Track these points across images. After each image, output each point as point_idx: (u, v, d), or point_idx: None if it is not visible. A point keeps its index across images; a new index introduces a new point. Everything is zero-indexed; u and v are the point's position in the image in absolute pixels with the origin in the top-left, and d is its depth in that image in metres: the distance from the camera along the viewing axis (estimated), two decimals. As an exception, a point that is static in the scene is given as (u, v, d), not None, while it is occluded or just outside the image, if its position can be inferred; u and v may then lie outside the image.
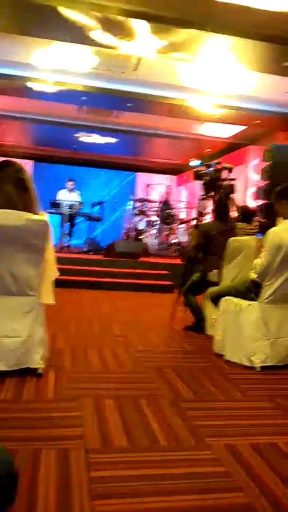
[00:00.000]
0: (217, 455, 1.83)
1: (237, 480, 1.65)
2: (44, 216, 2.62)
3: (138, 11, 4.62)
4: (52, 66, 6.52)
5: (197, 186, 10.68)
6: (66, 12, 4.67)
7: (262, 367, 3.06)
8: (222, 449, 1.87)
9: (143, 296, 6.27)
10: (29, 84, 7.14)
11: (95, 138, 10.83)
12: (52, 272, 2.76)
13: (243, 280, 3.45)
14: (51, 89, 7.36)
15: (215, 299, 3.55)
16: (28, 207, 2.56)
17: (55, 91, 7.45)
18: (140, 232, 10.48)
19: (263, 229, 4.12)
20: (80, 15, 4.70)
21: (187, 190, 11.32)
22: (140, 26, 4.90)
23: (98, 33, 5.13)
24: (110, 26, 4.93)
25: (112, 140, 10.94)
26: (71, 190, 9.66)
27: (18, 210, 2.51)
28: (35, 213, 2.57)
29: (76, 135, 10.83)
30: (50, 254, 2.71)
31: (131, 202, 11.20)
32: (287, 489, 1.61)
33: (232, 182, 4.83)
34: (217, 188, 4.65)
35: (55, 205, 8.63)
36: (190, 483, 1.61)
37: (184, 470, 1.71)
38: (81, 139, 11.06)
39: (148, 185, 13.33)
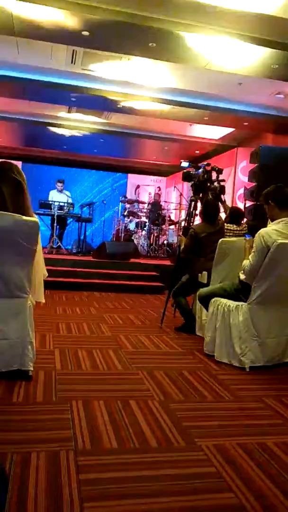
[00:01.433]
0: (207, 456, 1.84)
1: (227, 481, 1.66)
2: (35, 218, 2.62)
3: (128, 12, 4.63)
4: (44, 65, 6.51)
5: (187, 188, 10.74)
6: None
7: (251, 368, 3.09)
8: (212, 450, 1.89)
9: (133, 297, 6.27)
10: (28, 86, 7.09)
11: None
12: (42, 271, 2.81)
13: (232, 281, 3.47)
14: (47, 91, 7.33)
15: (205, 301, 3.57)
16: (22, 210, 2.55)
17: (47, 93, 7.43)
18: (130, 233, 10.49)
19: (251, 230, 4.16)
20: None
21: (177, 192, 11.36)
22: (132, 27, 4.90)
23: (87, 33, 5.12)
24: (93, 25, 4.93)
25: (102, 139, 10.92)
26: (60, 191, 9.63)
27: (11, 212, 2.50)
28: (28, 215, 2.57)
29: (66, 134, 10.78)
30: (40, 254, 2.73)
31: (121, 203, 11.20)
32: (277, 489, 1.62)
33: (221, 183, 4.85)
34: (206, 190, 4.67)
35: (44, 205, 8.59)
36: (180, 484, 1.62)
37: (174, 471, 1.71)
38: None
39: (138, 186, 13.34)
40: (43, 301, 2.93)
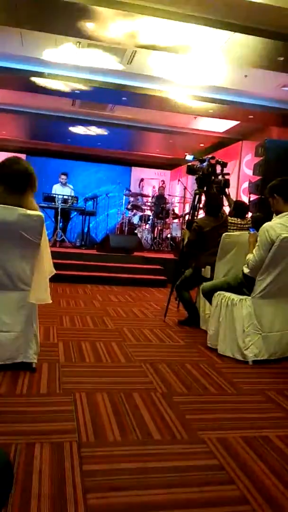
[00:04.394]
0: (209, 449, 1.85)
1: (229, 473, 1.67)
2: (38, 211, 2.61)
3: (134, 3, 4.60)
4: (49, 59, 6.47)
5: (191, 181, 10.69)
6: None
7: (255, 361, 3.09)
8: (215, 443, 1.89)
9: (137, 291, 6.28)
10: (33, 78, 7.06)
11: (88, 130, 10.76)
12: (48, 268, 2.74)
13: (235, 275, 3.47)
14: (48, 83, 7.31)
15: (208, 294, 3.57)
16: (21, 204, 2.54)
17: (52, 85, 7.41)
18: (134, 226, 10.47)
19: (256, 224, 4.14)
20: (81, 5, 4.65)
21: (181, 185, 11.32)
22: (136, 18, 4.87)
23: (93, 25, 5.08)
24: (107, 17, 4.89)
25: (105, 132, 10.88)
26: (64, 184, 9.62)
27: (12, 205, 2.49)
28: (30, 208, 2.55)
29: (70, 128, 10.76)
30: (46, 250, 2.69)
31: (125, 196, 11.18)
32: (279, 482, 1.63)
33: (226, 177, 4.83)
34: (211, 183, 4.65)
35: (48, 199, 8.59)
36: (183, 476, 1.63)
37: (176, 463, 1.72)
38: (75, 131, 10.94)
39: (142, 180, 13.30)
40: (50, 301, 2.70)
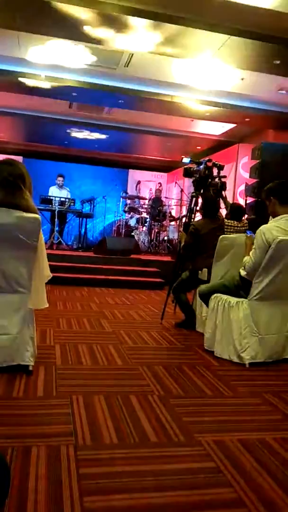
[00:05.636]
0: (206, 451, 1.85)
1: (226, 475, 1.67)
2: (37, 211, 2.62)
3: (130, 6, 4.61)
4: (45, 61, 6.47)
5: (188, 183, 10.70)
6: (61, 6, 4.63)
7: (251, 364, 3.09)
8: (212, 445, 1.89)
9: (134, 293, 6.28)
10: (21, 79, 7.06)
11: (87, 134, 10.78)
12: (45, 272, 2.75)
13: (232, 278, 3.47)
14: (43, 84, 7.30)
15: (205, 297, 3.57)
16: (20, 205, 2.54)
17: (47, 87, 7.40)
18: (131, 228, 10.47)
19: (252, 227, 4.15)
20: (75, 8, 4.66)
21: (178, 187, 11.34)
22: (133, 22, 4.88)
23: (90, 28, 5.09)
24: (104, 21, 4.91)
25: (103, 136, 10.89)
26: (61, 187, 9.62)
27: (9, 207, 2.50)
28: (28, 208, 2.55)
29: (68, 131, 10.76)
30: (42, 253, 2.69)
31: (122, 198, 11.19)
32: (276, 484, 1.63)
33: (222, 180, 4.84)
34: (207, 186, 4.66)
35: (45, 201, 8.59)
36: (180, 479, 1.63)
37: (173, 466, 1.72)
38: (73, 134, 10.94)
39: (139, 182, 13.31)
40: (47, 305, 2.76)
